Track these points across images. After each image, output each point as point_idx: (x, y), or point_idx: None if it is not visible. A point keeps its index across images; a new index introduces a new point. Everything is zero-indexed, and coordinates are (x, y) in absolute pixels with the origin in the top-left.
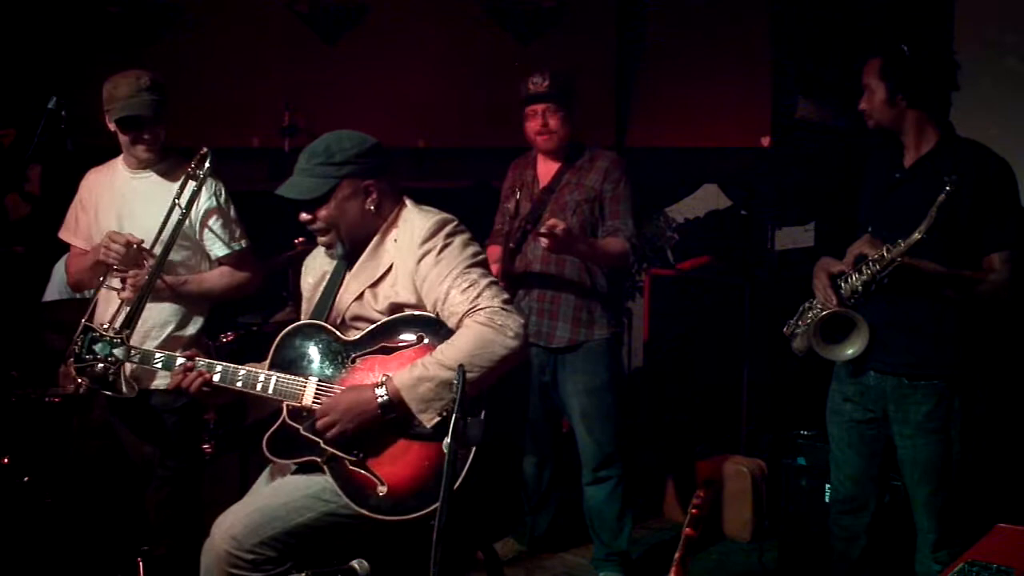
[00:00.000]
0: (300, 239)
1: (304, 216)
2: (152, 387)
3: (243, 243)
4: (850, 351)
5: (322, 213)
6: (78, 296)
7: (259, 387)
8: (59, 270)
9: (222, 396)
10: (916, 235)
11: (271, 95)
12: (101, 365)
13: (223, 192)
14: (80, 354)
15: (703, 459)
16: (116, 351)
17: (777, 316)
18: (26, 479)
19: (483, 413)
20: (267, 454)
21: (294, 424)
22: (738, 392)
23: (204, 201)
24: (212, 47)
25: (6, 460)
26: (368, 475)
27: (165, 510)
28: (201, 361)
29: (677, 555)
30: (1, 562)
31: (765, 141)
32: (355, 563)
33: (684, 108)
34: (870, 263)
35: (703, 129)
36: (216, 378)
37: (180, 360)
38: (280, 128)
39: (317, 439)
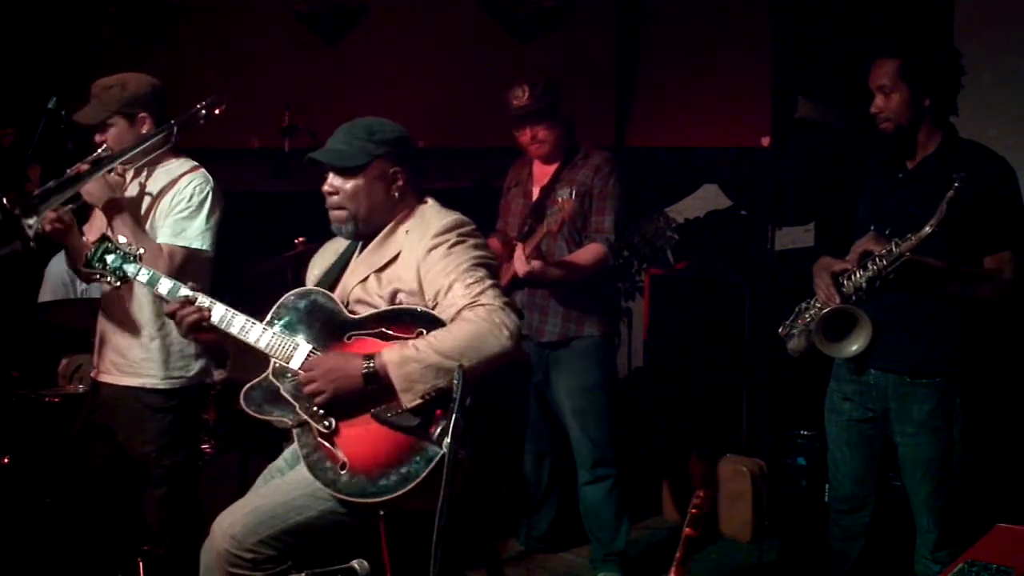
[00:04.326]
0: (300, 239)
1: (327, 185)
2: (147, 386)
3: (193, 244)
4: (854, 347)
5: (348, 186)
6: (74, 296)
7: (252, 337)
8: (52, 269)
9: (209, 335)
10: (927, 228)
11: (271, 95)
12: (108, 278)
13: (206, 191)
14: (90, 260)
15: (703, 459)
16: (128, 266)
17: (777, 316)
18: (48, 500)
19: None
20: (242, 404)
21: (276, 382)
22: (738, 392)
23: (182, 188)
24: (212, 47)
25: (6, 460)
26: (332, 449)
27: (162, 509)
28: (204, 299)
29: (677, 555)
30: (1, 562)
31: (765, 141)
32: (355, 563)
33: (684, 108)
34: (876, 259)
35: (703, 129)
36: (215, 319)
37: (184, 291)
38: (280, 128)
39: (295, 402)
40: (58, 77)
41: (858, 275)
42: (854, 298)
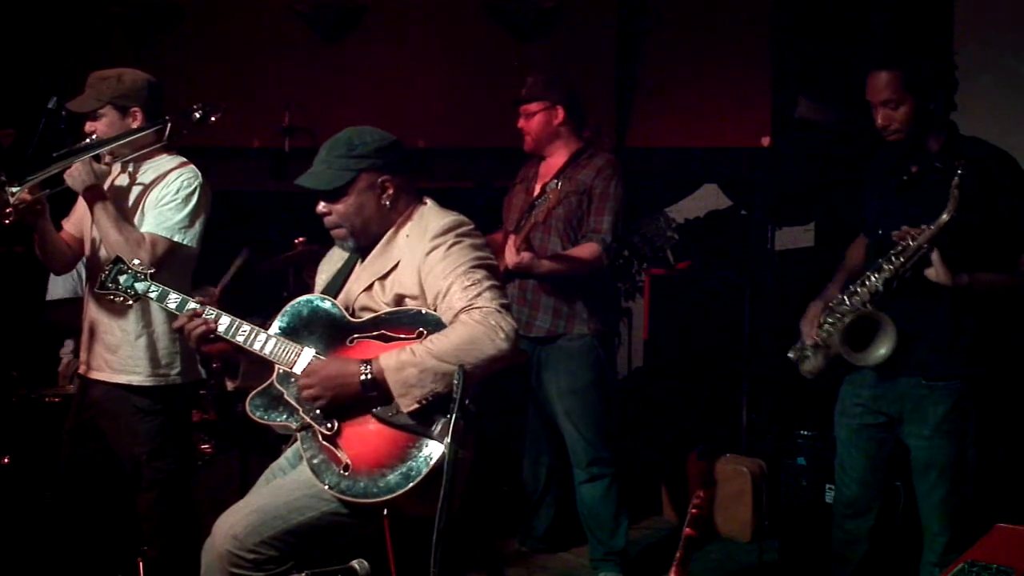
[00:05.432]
0: (300, 239)
1: (321, 207)
2: (134, 383)
3: (175, 236)
4: (882, 351)
5: (339, 206)
6: (83, 294)
7: (257, 345)
8: None
9: (219, 346)
10: (944, 216)
11: (271, 95)
12: (121, 298)
13: (194, 185)
14: (104, 282)
15: (703, 459)
16: (138, 284)
17: (777, 316)
18: (48, 499)
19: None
20: (247, 409)
21: (280, 388)
22: (738, 392)
23: (170, 181)
24: (212, 47)
25: (6, 460)
26: (335, 451)
27: (155, 512)
28: (211, 311)
29: (677, 555)
30: (1, 562)
31: (765, 141)
32: (355, 563)
33: (684, 108)
34: (894, 256)
35: (703, 129)
36: (221, 329)
37: (192, 304)
38: (280, 128)
39: (298, 407)
40: (58, 77)
41: (873, 279)
42: (870, 304)
